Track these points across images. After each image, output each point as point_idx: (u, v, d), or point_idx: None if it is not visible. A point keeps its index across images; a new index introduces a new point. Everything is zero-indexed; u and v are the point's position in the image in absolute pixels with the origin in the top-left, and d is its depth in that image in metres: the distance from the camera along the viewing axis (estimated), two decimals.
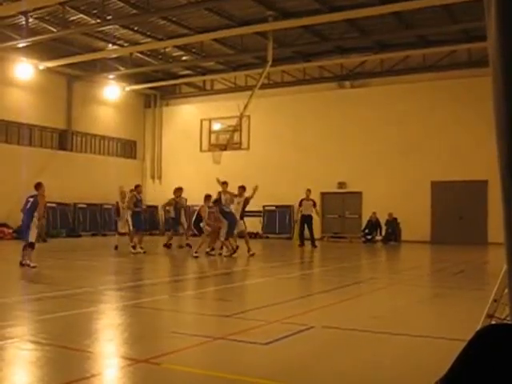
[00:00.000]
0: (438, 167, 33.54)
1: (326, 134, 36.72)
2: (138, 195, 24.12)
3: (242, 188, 23.91)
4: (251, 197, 23.71)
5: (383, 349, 7.73)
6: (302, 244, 28.36)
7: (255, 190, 23.51)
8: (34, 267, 16.57)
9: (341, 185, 35.81)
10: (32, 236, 16.92)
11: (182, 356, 7.08)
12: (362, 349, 7.69)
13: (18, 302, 11.51)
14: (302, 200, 28.89)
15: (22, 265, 16.78)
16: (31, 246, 16.95)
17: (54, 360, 6.81)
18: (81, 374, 6.02)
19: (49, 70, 35.59)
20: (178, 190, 25.90)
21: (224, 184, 23.92)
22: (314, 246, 27.98)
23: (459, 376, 2.39)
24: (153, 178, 43.35)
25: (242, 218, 23.71)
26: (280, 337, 7.94)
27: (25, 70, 34.18)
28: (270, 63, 31.90)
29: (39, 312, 10.21)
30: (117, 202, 25.38)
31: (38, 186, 17.47)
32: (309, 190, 28.74)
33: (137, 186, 24.57)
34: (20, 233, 18.96)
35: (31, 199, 17.18)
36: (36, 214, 16.97)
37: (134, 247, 22.81)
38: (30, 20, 29.56)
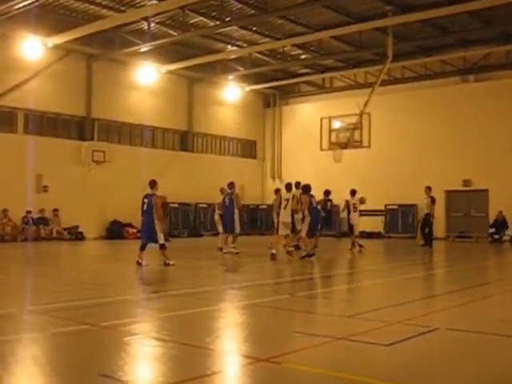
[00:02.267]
0: None
1: (449, 130, 35.75)
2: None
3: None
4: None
5: (506, 352, 7.38)
6: (425, 244, 27.50)
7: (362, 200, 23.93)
8: (172, 265, 17.14)
9: (466, 182, 34.80)
10: (160, 238, 17.27)
11: (303, 356, 7.00)
12: (488, 353, 7.33)
13: (141, 300, 11.86)
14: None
15: (138, 263, 17.19)
16: (162, 247, 17.36)
17: (176, 356, 6.94)
18: (202, 371, 6.15)
19: (170, 72, 36.38)
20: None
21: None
22: (429, 245, 27.13)
23: None
24: (273, 177, 43.38)
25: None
26: (402, 338, 7.78)
27: (147, 73, 35.08)
28: (390, 59, 31.50)
29: (162, 310, 10.44)
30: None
31: (153, 183, 17.73)
32: (428, 188, 27.65)
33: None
34: (141, 232, 19.17)
35: (146, 200, 17.47)
36: (156, 216, 17.16)
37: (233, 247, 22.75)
38: (152, 25, 30.35)
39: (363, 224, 28.68)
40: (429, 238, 27.20)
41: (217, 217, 24.34)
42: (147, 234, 17.66)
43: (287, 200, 20.64)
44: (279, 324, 9.32)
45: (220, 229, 23.92)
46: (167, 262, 17.20)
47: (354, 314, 9.88)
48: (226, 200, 22.79)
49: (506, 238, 32.00)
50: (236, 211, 22.83)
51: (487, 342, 7.95)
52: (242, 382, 6.11)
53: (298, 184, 22.06)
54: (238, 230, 22.87)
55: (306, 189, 20.41)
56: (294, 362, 6.59)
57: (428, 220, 27.22)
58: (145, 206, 17.43)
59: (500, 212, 32.35)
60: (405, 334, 8.02)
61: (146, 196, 17.59)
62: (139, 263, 17.18)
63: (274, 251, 19.75)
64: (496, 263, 23.26)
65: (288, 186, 21.20)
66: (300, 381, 6.01)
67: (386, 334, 8.28)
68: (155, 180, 17.87)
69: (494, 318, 9.98)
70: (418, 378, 6.09)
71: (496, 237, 32.22)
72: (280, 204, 20.74)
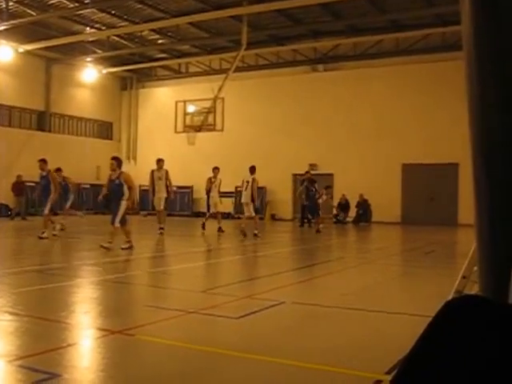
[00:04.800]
0: (410, 150, 34.15)
1: (299, 116, 37.37)
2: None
3: (217, 169, 24.78)
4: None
5: (348, 324, 7.87)
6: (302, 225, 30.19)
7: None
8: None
9: (312, 166, 36.43)
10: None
11: (155, 328, 7.28)
12: (328, 324, 7.87)
13: None
14: None
15: None
16: None
17: (31, 330, 7.05)
18: (58, 344, 6.25)
19: (28, 52, 35.90)
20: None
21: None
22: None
23: (426, 352, 2.35)
24: (128, 158, 43.77)
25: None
26: (251, 311, 8.18)
27: (4, 52, 34.39)
28: (244, 46, 32.15)
29: (16, 285, 10.48)
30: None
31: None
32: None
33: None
34: None
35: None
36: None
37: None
38: (10, 3, 29.96)
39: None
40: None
41: None
42: None
43: (248, 182, 23.36)
44: (132, 298, 9.71)
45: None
46: None
47: (205, 289, 10.35)
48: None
49: (348, 219, 33.88)
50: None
51: (329, 315, 8.50)
52: (97, 353, 6.25)
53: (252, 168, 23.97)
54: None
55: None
56: (147, 334, 6.87)
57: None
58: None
59: (343, 195, 34.11)
60: (253, 308, 8.46)
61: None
62: None
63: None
64: (338, 243, 24.36)
65: (251, 169, 23.77)
66: (152, 351, 6.25)
67: (235, 307, 8.66)
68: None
69: (337, 292, 10.64)
70: (264, 347, 6.39)
71: (339, 218, 34.03)
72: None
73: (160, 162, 23.41)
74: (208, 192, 24.99)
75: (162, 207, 23.02)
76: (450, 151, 31.51)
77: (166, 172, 23.20)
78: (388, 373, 4.89)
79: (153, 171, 23.43)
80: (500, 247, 2.93)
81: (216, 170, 24.86)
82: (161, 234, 22.04)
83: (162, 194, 22.94)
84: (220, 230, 24.08)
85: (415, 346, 2.61)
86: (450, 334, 2.42)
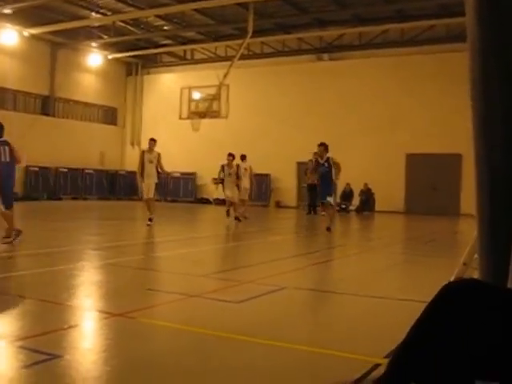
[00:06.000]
0: (414, 140, 34.05)
1: (303, 105, 37.34)
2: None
3: (232, 156, 24.72)
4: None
5: (349, 309, 7.99)
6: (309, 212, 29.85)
7: None
8: None
9: (316, 155, 36.38)
10: None
11: (157, 311, 7.41)
12: (328, 309, 8.10)
13: None
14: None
15: None
16: None
17: (33, 312, 7.11)
18: (59, 325, 6.29)
19: (33, 36, 35.88)
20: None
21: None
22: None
23: (424, 333, 2.49)
24: (132, 144, 43.93)
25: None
26: (253, 296, 8.27)
27: (9, 36, 34.52)
28: (249, 34, 32.15)
29: (18, 268, 10.61)
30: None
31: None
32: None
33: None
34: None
35: None
36: None
37: None
38: None
39: (219, 193, 29.93)
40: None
41: None
42: None
43: (245, 169, 24.56)
44: (134, 282, 9.68)
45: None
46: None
47: (207, 274, 10.42)
48: None
49: (352, 207, 33.93)
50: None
51: (330, 300, 8.78)
52: (98, 335, 6.31)
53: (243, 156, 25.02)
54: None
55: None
56: (149, 317, 6.94)
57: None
58: None
59: (348, 184, 34.08)
60: (255, 293, 8.51)
61: None
62: None
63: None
64: (341, 230, 24.02)
65: (242, 157, 24.93)
66: (154, 334, 6.39)
67: (237, 292, 8.70)
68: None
69: (338, 278, 10.97)
70: (265, 331, 6.44)
71: (343, 207, 34.04)
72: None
73: (152, 141, 20.50)
74: (222, 180, 24.80)
75: (151, 195, 20.25)
76: (454, 142, 31.38)
77: (158, 155, 20.28)
78: (387, 357, 4.90)
79: (143, 152, 20.68)
80: (500, 235, 2.97)
81: (230, 156, 24.69)
82: (148, 225, 19.45)
83: (152, 180, 20.12)
84: (237, 218, 23.49)
85: (413, 328, 2.65)
86: (448, 315, 2.45)
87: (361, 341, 6.19)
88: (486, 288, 2.56)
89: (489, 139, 2.29)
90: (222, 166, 24.70)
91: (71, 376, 4.78)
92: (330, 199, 19.53)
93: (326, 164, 19.63)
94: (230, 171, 24.30)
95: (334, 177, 19.59)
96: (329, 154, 20.01)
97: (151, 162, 20.04)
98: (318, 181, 20.28)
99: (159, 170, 20.29)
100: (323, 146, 20.23)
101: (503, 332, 2.37)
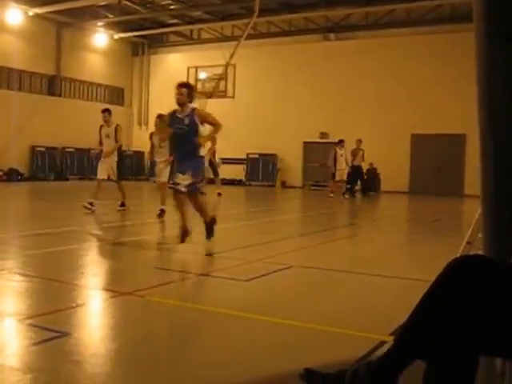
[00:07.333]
0: (419, 120, 34.00)
1: (310, 84, 37.25)
2: None
3: None
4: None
5: (356, 288, 8.01)
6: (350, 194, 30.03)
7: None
8: None
9: (323, 135, 36.51)
10: None
11: (165, 290, 7.40)
12: (336, 287, 8.03)
13: (5, 238, 11.52)
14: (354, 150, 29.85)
15: None
16: None
17: (41, 290, 7.15)
18: (67, 304, 6.34)
19: (38, 16, 35.82)
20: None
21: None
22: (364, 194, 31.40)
23: (430, 307, 2.53)
24: (140, 124, 43.99)
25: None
26: (260, 274, 8.30)
27: (14, 15, 34.51)
28: (256, 14, 32.09)
29: (27, 247, 10.52)
30: None
31: None
32: (359, 141, 29.82)
33: None
34: None
35: None
36: None
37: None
38: None
39: (227, 172, 30.02)
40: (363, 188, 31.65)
41: None
42: None
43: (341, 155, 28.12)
44: (142, 261, 9.69)
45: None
46: None
47: (215, 253, 10.53)
48: None
49: (357, 187, 33.81)
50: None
51: (338, 278, 8.69)
52: (106, 313, 6.36)
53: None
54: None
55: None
56: (157, 296, 6.95)
57: (360, 172, 30.40)
58: None
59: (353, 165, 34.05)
60: (262, 271, 8.52)
61: None
62: None
63: None
64: (348, 210, 24.28)
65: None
66: (163, 312, 6.40)
67: (244, 270, 8.75)
68: None
69: (345, 257, 10.96)
70: (273, 309, 6.49)
71: (348, 186, 33.90)
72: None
73: (105, 113, 17.70)
74: None
75: (113, 176, 18.09)
76: (458, 122, 31.44)
77: (116, 127, 17.69)
78: (392, 334, 4.95)
79: (101, 127, 17.99)
80: (504, 212, 3.01)
81: None
82: (119, 210, 17.48)
83: (110, 159, 17.62)
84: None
85: (419, 304, 2.69)
86: (454, 290, 2.51)
87: (368, 319, 6.23)
88: (492, 263, 2.59)
89: (492, 107, 2.30)
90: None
91: (80, 353, 4.82)
92: None
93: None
94: None
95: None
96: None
97: (108, 136, 17.61)
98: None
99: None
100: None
101: (508, 306, 2.40)
